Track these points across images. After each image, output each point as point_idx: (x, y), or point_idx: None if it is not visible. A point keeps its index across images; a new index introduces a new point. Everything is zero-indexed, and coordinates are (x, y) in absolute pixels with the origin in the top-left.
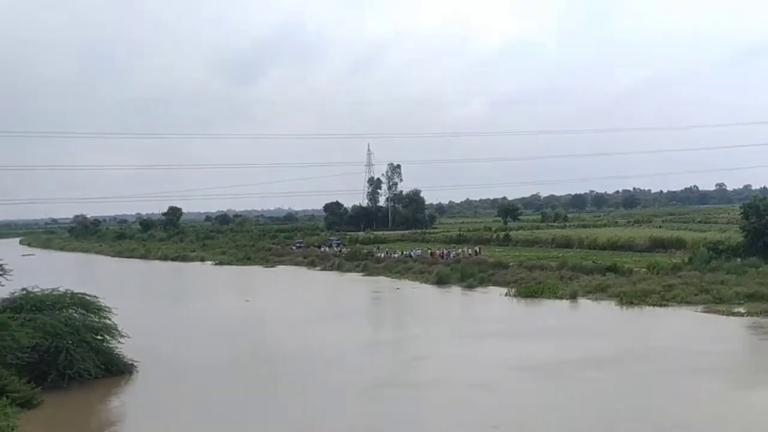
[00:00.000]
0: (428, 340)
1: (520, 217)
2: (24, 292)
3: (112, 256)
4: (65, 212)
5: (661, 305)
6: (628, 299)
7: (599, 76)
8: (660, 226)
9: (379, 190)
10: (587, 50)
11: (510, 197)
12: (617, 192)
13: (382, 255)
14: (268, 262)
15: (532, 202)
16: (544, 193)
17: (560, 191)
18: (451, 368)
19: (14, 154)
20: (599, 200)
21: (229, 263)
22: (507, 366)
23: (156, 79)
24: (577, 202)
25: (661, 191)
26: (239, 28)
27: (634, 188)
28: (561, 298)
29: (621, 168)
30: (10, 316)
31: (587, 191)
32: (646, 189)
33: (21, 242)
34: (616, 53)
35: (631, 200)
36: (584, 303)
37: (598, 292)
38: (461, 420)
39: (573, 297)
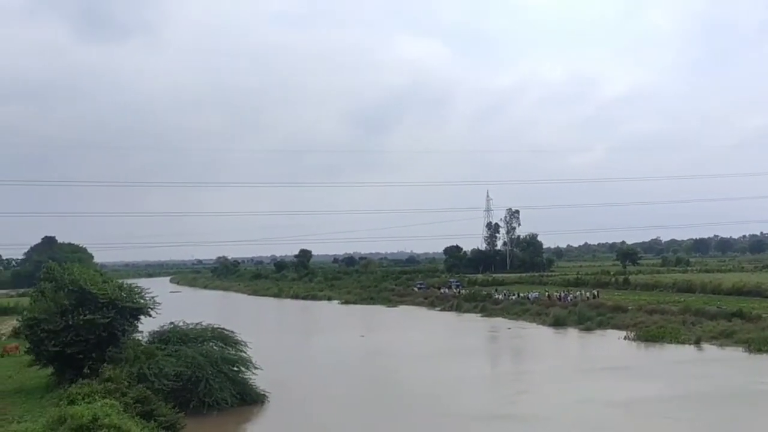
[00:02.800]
0: (538, 376)
1: (639, 261)
2: (172, 325)
3: (249, 294)
4: (209, 254)
5: None
6: (757, 346)
7: (722, 120)
8: None
9: (497, 234)
10: (709, 95)
11: (629, 242)
12: (743, 237)
13: (500, 297)
14: (390, 302)
15: (652, 247)
16: (665, 238)
17: (682, 236)
18: (554, 404)
19: (166, 201)
20: (724, 245)
21: (354, 302)
22: (609, 404)
23: (293, 131)
24: (700, 246)
25: None
26: (372, 81)
27: (761, 233)
28: (683, 343)
29: (747, 212)
30: (159, 347)
31: (711, 236)
32: None
33: (171, 281)
34: (739, 98)
35: (758, 245)
36: (708, 348)
37: (723, 338)
38: None
39: (696, 342)
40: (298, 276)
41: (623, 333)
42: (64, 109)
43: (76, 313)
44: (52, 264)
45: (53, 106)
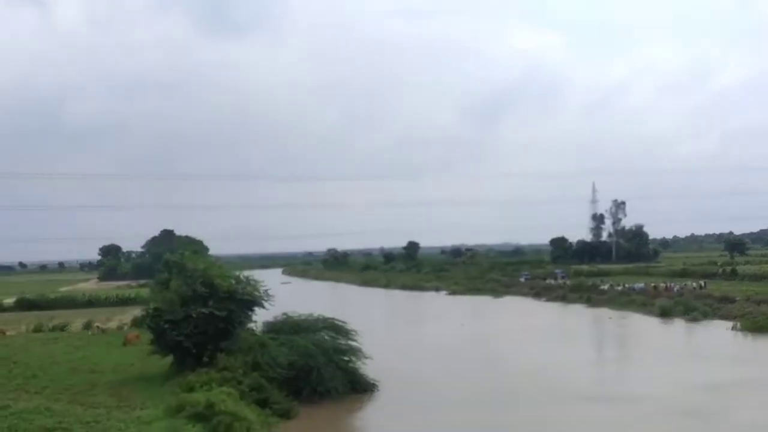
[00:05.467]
0: (641, 362)
1: (747, 251)
2: (285, 316)
3: (358, 285)
4: (320, 246)
5: None
6: None
7: None
8: None
9: (602, 225)
10: None
11: (737, 232)
12: None
13: (606, 287)
14: (496, 293)
15: (762, 237)
16: None
17: None
18: (653, 387)
19: (280, 194)
20: None
21: (461, 293)
22: (707, 387)
23: (406, 125)
24: None
25: None
26: (485, 74)
27: None
28: None
29: None
30: (272, 337)
31: None
32: None
33: (282, 272)
34: None
35: None
36: None
37: None
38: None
39: None
40: (406, 267)
41: (730, 323)
42: (186, 104)
43: (198, 304)
44: (171, 255)
45: (176, 102)
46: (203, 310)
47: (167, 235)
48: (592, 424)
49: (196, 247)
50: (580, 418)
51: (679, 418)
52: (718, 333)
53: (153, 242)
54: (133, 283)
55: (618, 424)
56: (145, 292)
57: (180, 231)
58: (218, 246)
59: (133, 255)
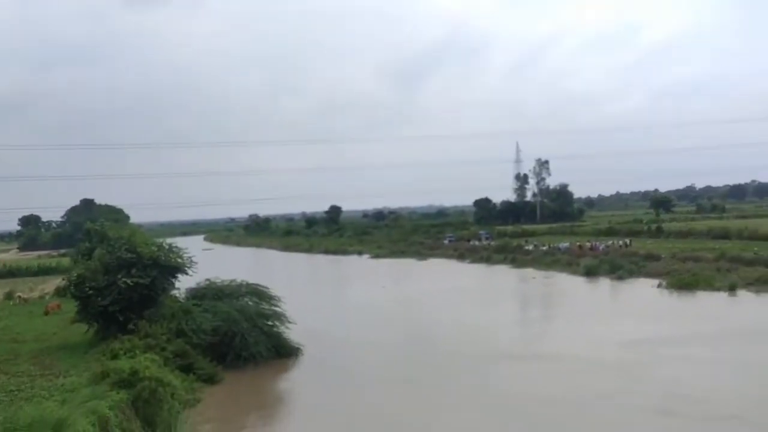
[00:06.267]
0: (562, 321)
1: (673, 209)
2: (207, 282)
3: (281, 250)
4: (242, 212)
5: None
6: None
7: (762, 61)
8: None
9: (526, 186)
10: (755, 38)
11: (662, 189)
12: None
13: (530, 248)
14: (420, 255)
15: (687, 194)
16: (700, 185)
17: (717, 182)
18: (570, 345)
19: (202, 162)
20: (762, 190)
21: (385, 256)
22: (622, 344)
23: (330, 89)
24: (737, 192)
25: None
26: (408, 34)
27: None
28: (717, 290)
29: None
30: (195, 304)
31: (748, 181)
32: None
33: (205, 239)
34: None
35: None
36: (743, 295)
37: (761, 284)
38: (555, 390)
39: (731, 289)
40: (329, 231)
41: (656, 281)
42: (107, 73)
43: (122, 272)
44: (93, 225)
45: (97, 71)
46: (126, 280)
47: (87, 204)
48: (516, 382)
49: (117, 215)
50: (504, 376)
51: (602, 373)
52: (644, 291)
53: (73, 212)
54: (54, 252)
55: (542, 380)
56: (66, 261)
57: (100, 200)
58: (139, 214)
59: (54, 225)
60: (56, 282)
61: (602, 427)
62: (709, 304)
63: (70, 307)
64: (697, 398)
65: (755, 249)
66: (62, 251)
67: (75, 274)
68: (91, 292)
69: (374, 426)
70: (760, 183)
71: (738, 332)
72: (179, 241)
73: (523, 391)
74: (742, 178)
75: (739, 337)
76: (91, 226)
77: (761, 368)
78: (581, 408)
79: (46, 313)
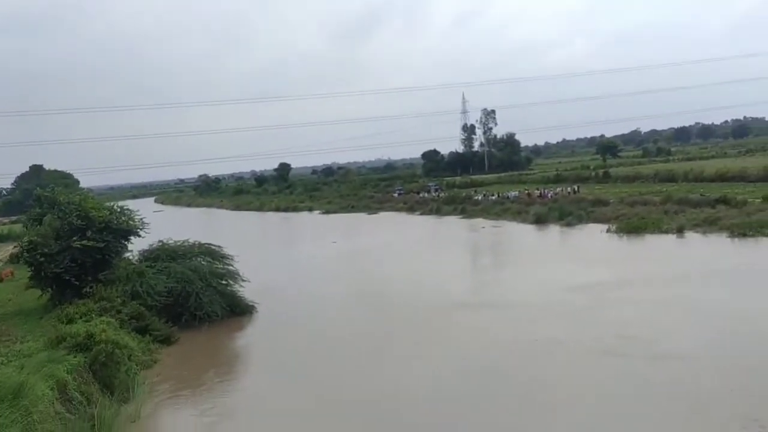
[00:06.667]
0: (510, 269)
1: (619, 154)
2: (160, 244)
3: (231, 209)
4: (191, 173)
5: None
6: (742, 231)
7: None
8: None
9: (474, 136)
10: None
11: (608, 135)
12: (726, 122)
13: (480, 198)
14: (370, 209)
15: (632, 139)
16: (645, 129)
17: (662, 126)
18: (518, 291)
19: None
20: (706, 132)
21: (335, 212)
22: (568, 288)
23: (274, 49)
24: (681, 135)
25: None
26: None
27: (744, 117)
28: (666, 232)
29: (730, 97)
30: (149, 265)
31: (692, 123)
32: (759, 117)
33: (155, 201)
34: None
35: (741, 130)
36: (691, 236)
37: (707, 225)
38: (501, 336)
39: (679, 231)
40: (279, 189)
41: (605, 226)
42: (48, 40)
43: (74, 237)
44: (42, 191)
45: (38, 39)
46: (79, 245)
47: (36, 170)
48: (467, 330)
49: (66, 181)
50: (455, 325)
51: (551, 319)
52: (593, 236)
53: (22, 178)
54: (5, 219)
55: (494, 328)
56: (18, 228)
57: (49, 166)
58: (89, 179)
59: (4, 192)
60: (9, 249)
61: (553, 370)
62: (658, 246)
63: (24, 273)
64: (645, 339)
65: (701, 191)
66: (13, 218)
67: (27, 240)
68: (42, 259)
69: (330, 376)
70: (703, 125)
71: (686, 273)
72: (130, 204)
73: (474, 338)
74: (685, 121)
75: (686, 278)
76: (40, 192)
77: (708, 308)
78: (532, 353)
79: (0, 281)
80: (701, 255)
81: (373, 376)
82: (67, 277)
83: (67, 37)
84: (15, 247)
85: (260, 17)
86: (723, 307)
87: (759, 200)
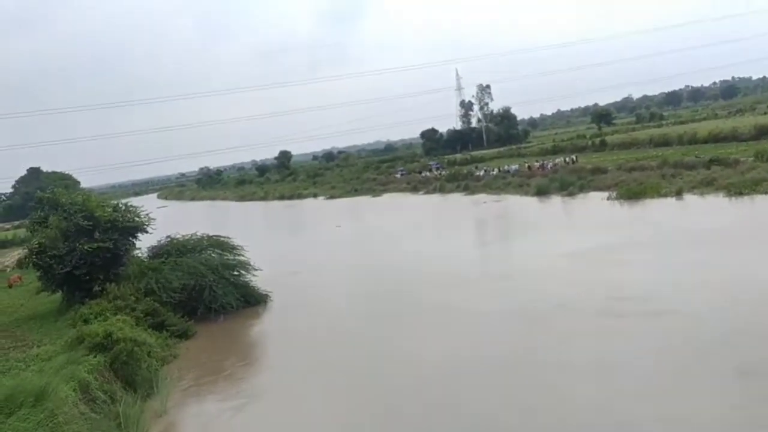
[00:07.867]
0: (515, 242)
1: (614, 121)
2: (168, 239)
3: (236, 201)
4: (192, 166)
5: None
6: (737, 189)
7: None
8: (766, 113)
9: (471, 112)
10: None
11: (601, 103)
12: (714, 83)
13: (481, 173)
14: (374, 192)
15: (625, 105)
16: (637, 95)
17: (653, 91)
18: (524, 262)
19: (147, 119)
20: (696, 95)
21: (340, 196)
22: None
23: (267, 35)
24: (672, 99)
25: (765, 77)
26: None
27: (733, 77)
28: (665, 196)
29: (718, 59)
30: (160, 262)
31: (682, 87)
32: (747, 76)
33: (158, 197)
34: None
35: (730, 90)
36: (689, 198)
37: (704, 186)
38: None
39: (677, 193)
40: (281, 177)
41: (605, 194)
42: (37, 38)
43: (82, 237)
44: (43, 193)
45: (25, 37)
46: (88, 247)
47: (35, 173)
48: (472, 302)
49: (66, 182)
50: (462, 299)
51: (552, 284)
52: (595, 204)
53: (21, 182)
54: (7, 225)
55: (500, 298)
56: (21, 232)
57: (47, 168)
58: (89, 179)
59: (3, 197)
60: (15, 254)
61: (553, 334)
62: (658, 210)
63: (32, 278)
64: (639, 298)
65: (696, 153)
66: (15, 223)
67: (36, 243)
68: (52, 261)
69: (349, 354)
70: (693, 88)
71: (684, 234)
72: (133, 201)
73: (477, 309)
74: (675, 85)
75: (684, 238)
76: (42, 195)
77: (704, 266)
78: (533, 317)
79: (10, 286)
80: (699, 216)
81: (389, 351)
82: (78, 273)
83: (54, 33)
84: (23, 250)
85: (250, 5)
86: (723, 262)
87: (751, 158)
